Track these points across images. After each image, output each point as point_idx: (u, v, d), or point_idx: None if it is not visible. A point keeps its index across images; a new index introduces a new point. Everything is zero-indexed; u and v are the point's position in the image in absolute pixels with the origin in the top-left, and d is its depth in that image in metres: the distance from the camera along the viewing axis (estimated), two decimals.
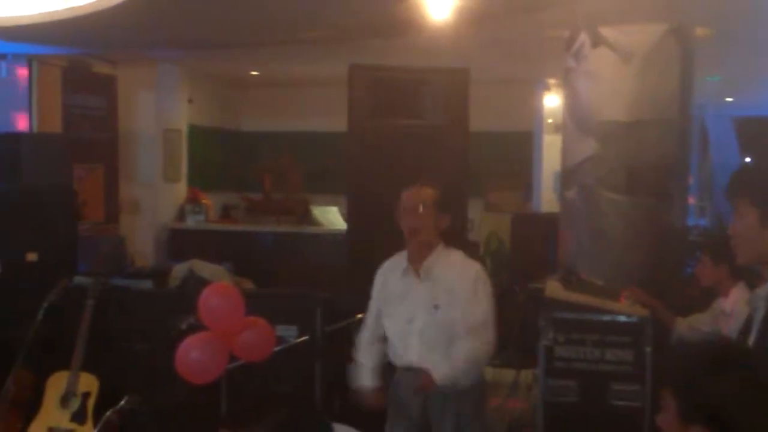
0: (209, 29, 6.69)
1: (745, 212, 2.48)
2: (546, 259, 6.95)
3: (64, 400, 4.96)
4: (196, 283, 5.78)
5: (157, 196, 9.33)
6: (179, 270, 6.33)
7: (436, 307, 3.98)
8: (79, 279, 5.71)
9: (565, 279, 5.25)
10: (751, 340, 2.45)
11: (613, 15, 5.39)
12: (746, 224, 2.48)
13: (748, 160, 11.72)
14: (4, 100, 7.86)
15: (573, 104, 5.74)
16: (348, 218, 6.84)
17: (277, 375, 4.95)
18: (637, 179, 5.41)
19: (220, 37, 7.04)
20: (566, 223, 5.79)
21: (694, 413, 1.90)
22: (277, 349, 4.25)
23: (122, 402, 4.15)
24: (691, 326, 4.51)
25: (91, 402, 4.95)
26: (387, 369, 4.20)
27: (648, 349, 4.70)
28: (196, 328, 4.06)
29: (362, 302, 4.32)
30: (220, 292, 4.07)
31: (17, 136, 7.10)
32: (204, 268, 6.31)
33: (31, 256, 5.97)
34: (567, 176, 5.80)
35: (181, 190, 9.69)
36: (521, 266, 7.90)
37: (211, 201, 9.96)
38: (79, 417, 4.92)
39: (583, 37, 5.49)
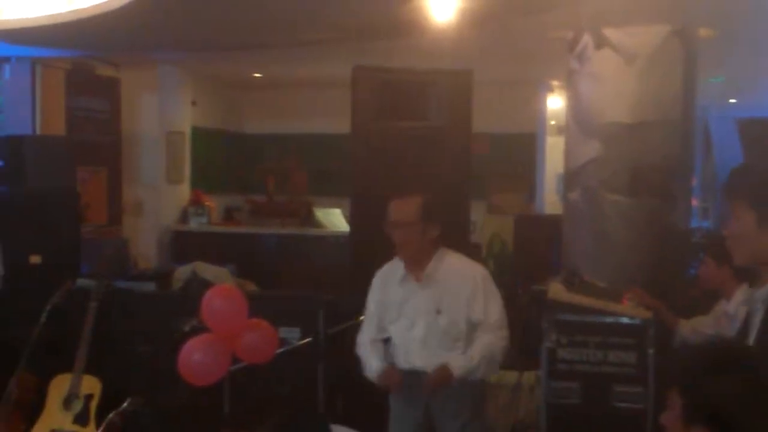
0: (212, 31, 6.70)
1: (743, 214, 2.47)
2: (549, 261, 6.93)
3: (67, 402, 4.96)
4: (199, 285, 5.80)
5: (160, 199, 9.34)
6: (182, 272, 6.34)
7: (438, 311, 3.98)
8: (82, 281, 5.72)
9: (568, 281, 5.24)
10: (750, 341, 2.44)
11: (617, 16, 5.39)
12: (743, 225, 2.47)
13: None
14: (7, 103, 7.87)
15: (576, 106, 5.73)
16: (351, 220, 6.84)
17: (280, 377, 4.95)
18: (640, 181, 5.40)
19: (223, 39, 7.05)
20: (569, 225, 5.78)
21: (695, 413, 1.90)
22: (279, 351, 4.25)
23: (125, 404, 4.16)
24: (694, 329, 4.50)
25: (93, 404, 4.96)
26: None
27: (651, 351, 4.69)
28: (199, 330, 4.07)
29: (365, 304, 4.32)
30: (223, 294, 4.08)
31: (21, 139, 7.11)
32: (207, 270, 6.32)
33: (35, 259, 5.98)
34: (570, 178, 5.79)
35: (184, 192, 9.70)
36: (524, 268, 7.87)
37: (214, 203, 9.97)
38: (81, 419, 4.92)
39: (587, 39, 5.49)
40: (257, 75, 10.13)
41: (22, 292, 5.70)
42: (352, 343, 4.35)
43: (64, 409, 4.95)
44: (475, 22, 5.84)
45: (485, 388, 4.28)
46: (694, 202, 9.52)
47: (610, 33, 5.43)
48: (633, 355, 4.72)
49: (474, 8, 5.42)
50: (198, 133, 9.98)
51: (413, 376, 4.03)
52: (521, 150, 10.27)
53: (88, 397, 4.96)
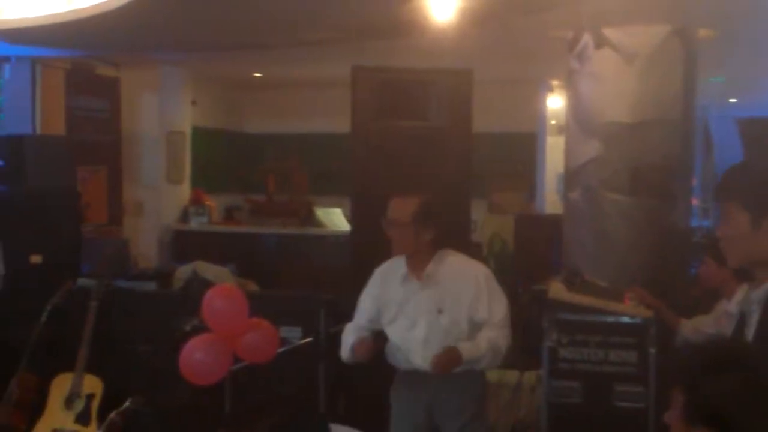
0: (212, 31, 6.69)
1: (736, 215, 2.45)
2: (549, 261, 6.93)
3: (69, 402, 4.97)
4: (199, 285, 5.79)
5: (160, 198, 9.33)
6: (183, 272, 6.34)
7: (440, 311, 3.98)
8: (82, 281, 5.73)
9: (568, 280, 5.24)
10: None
11: (617, 16, 5.38)
12: (737, 227, 2.46)
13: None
14: (7, 103, 7.87)
15: (576, 105, 5.74)
16: (352, 220, 6.84)
17: (281, 376, 4.95)
18: (640, 180, 5.41)
19: (224, 39, 7.04)
20: (570, 225, 5.79)
21: (695, 413, 1.90)
22: (280, 350, 4.25)
23: (126, 403, 4.17)
24: (696, 328, 4.51)
25: (95, 403, 4.96)
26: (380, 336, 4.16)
27: (652, 351, 4.70)
28: (200, 329, 4.07)
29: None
30: (223, 293, 4.08)
31: (21, 139, 7.11)
32: (208, 269, 6.32)
33: (35, 259, 5.98)
34: (570, 177, 5.80)
35: (184, 191, 9.69)
36: (524, 267, 7.87)
37: (214, 203, 9.96)
38: (83, 418, 4.93)
39: (587, 38, 5.49)
40: (257, 75, 10.13)
41: (23, 292, 5.70)
42: None
43: (66, 408, 4.96)
44: (475, 22, 5.84)
45: (486, 388, 4.28)
46: (694, 202, 9.52)
47: (610, 33, 5.43)
48: (634, 355, 4.73)
49: (474, 7, 5.41)
50: (198, 133, 9.97)
51: (414, 376, 4.03)
52: (522, 149, 10.26)
53: (90, 397, 4.97)
